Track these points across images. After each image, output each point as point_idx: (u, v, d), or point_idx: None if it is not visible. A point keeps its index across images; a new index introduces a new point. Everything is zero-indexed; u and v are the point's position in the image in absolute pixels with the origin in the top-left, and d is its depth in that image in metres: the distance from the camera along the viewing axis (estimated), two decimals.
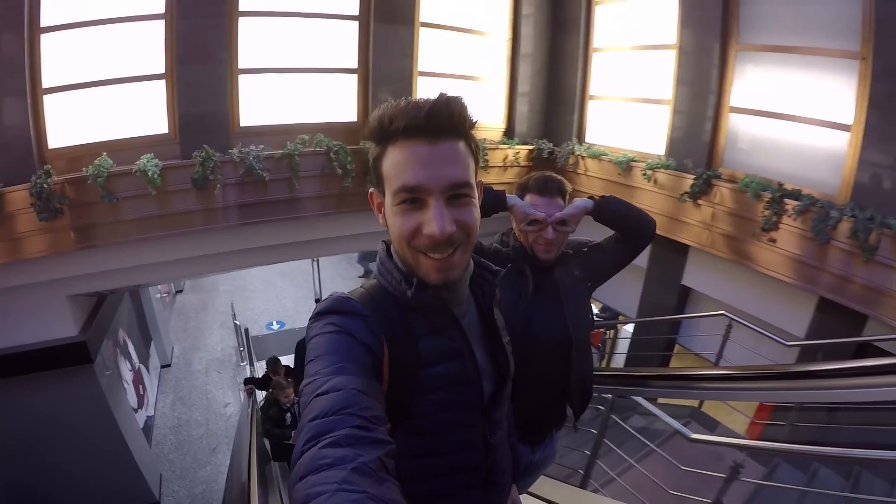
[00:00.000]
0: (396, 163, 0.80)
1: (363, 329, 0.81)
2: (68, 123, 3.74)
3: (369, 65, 4.38)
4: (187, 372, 8.29)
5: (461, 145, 0.82)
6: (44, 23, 3.51)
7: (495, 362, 0.99)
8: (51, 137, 3.69)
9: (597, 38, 4.96)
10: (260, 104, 4.20)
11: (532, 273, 1.75)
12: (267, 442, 4.69)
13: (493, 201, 1.71)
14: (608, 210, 1.76)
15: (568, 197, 1.74)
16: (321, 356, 0.74)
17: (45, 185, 3.33)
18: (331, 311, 0.83)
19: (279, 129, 4.19)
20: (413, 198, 0.79)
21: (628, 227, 1.79)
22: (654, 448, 3.11)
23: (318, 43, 4.32)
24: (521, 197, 1.73)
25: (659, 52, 4.38)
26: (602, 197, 1.78)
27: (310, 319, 0.85)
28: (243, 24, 3.94)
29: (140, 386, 6.30)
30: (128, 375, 5.75)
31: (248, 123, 4.16)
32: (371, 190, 0.89)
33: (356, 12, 4.29)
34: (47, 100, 3.62)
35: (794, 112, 3.72)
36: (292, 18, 4.15)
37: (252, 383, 5.38)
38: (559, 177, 1.76)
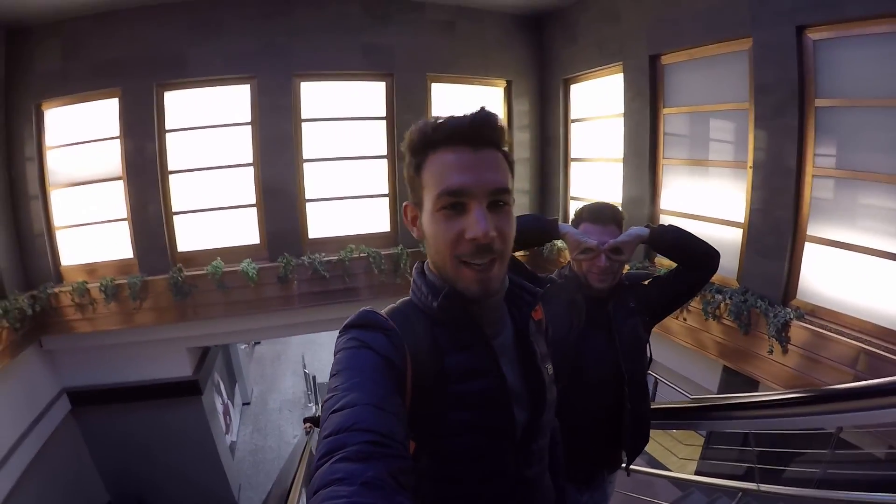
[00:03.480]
0: (439, 168, 0.83)
1: (385, 342, 0.80)
2: (191, 235, 5.55)
3: (396, 190, 5.97)
4: (264, 409, 9.98)
5: (500, 156, 0.85)
6: (170, 167, 5.38)
7: (530, 388, 0.93)
8: (179, 244, 5.50)
9: (573, 150, 6.24)
10: (322, 222, 5.88)
11: (585, 303, 1.69)
12: None
13: (545, 229, 1.67)
14: (665, 238, 1.70)
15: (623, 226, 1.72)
16: (341, 371, 0.75)
17: (179, 278, 5.12)
18: (354, 325, 0.84)
19: (335, 239, 5.84)
20: (455, 202, 0.81)
21: (687, 258, 1.73)
22: None
23: (359, 176, 5.95)
24: (576, 226, 1.70)
25: (612, 164, 5.54)
26: (660, 224, 1.73)
27: (338, 334, 0.85)
28: (307, 167, 5.69)
29: (227, 416, 8.02)
30: (219, 407, 7.42)
31: (314, 236, 5.84)
32: (406, 203, 0.91)
33: (385, 153, 5.94)
34: (176, 219, 5.46)
35: (706, 212, 4.56)
36: (341, 161, 5.85)
37: (310, 421, 6.59)
38: (614, 204, 1.74)
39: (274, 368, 12.08)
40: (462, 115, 0.83)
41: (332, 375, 0.77)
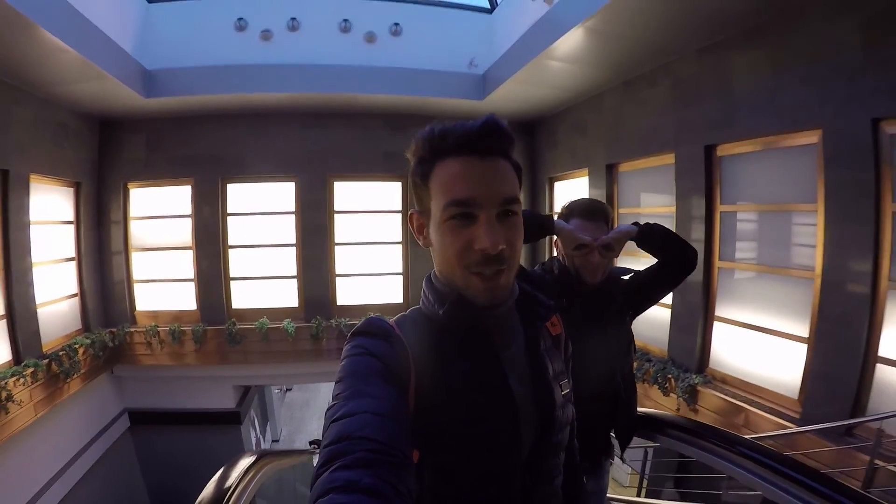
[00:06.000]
0: (447, 177, 0.80)
1: (388, 350, 0.80)
2: (243, 296, 6.95)
3: (409, 270, 7.31)
4: (290, 447, 10.99)
5: (508, 165, 0.83)
6: (230, 242, 6.91)
7: (539, 406, 0.89)
8: (234, 302, 6.92)
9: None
10: (348, 293, 7.22)
11: (579, 297, 1.71)
12: None
13: (540, 225, 1.70)
14: (651, 236, 1.76)
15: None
16: (343, 379, 0.75)
17: (233, 329, 6.51)
18: (359, 332, 0.84)
19: (359, 307, 7.19)
20: (464, 212, 0.79)
21: (671, 255, 1.79)
22: None
23: (379, 257, 7.32)
24: (566, 221, 1.74)
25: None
26: (646, 223, 1.79)
27: (346, 341, 0.85)
28: (338, 249, 7.14)
29: (258, 448, 9.15)
30: (252, 439, 8.55)
31: (341, 304, 7.26)
32: (412, 211, 0.89)
33: (400, 240, 7.33)
34: (233, 283, 6.89)
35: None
36: (364, 245, 7.24)
37: (316, 443, 7.34)
38: (603, 202, 1.79)
39: (303, 413, 13.20)
40: (471, 122, 0.80)
41: (335, 382, 0.76)
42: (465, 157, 0.81)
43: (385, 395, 0.73)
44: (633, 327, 1.95)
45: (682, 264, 1.81)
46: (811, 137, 3.67)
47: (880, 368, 3.33)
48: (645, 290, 1.87)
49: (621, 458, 2.00)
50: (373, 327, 0.85)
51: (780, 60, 3.82)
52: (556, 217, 1.80)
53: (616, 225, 1.82)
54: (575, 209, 1.76)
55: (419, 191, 0.86)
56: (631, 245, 1.82)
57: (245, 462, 1.51)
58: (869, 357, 3.36)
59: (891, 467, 3.03)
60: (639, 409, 2.02)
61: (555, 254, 1.85)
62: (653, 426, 2.01)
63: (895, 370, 3.24)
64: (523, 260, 1.35)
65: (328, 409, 0.72)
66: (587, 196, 2.63)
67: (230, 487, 1.33)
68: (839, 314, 3.50)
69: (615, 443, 1.93)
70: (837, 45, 3.38)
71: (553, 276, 1.77)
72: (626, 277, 1.90)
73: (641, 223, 1.81)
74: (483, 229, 0.78)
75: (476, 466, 0.82)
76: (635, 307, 1.88)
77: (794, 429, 3.61)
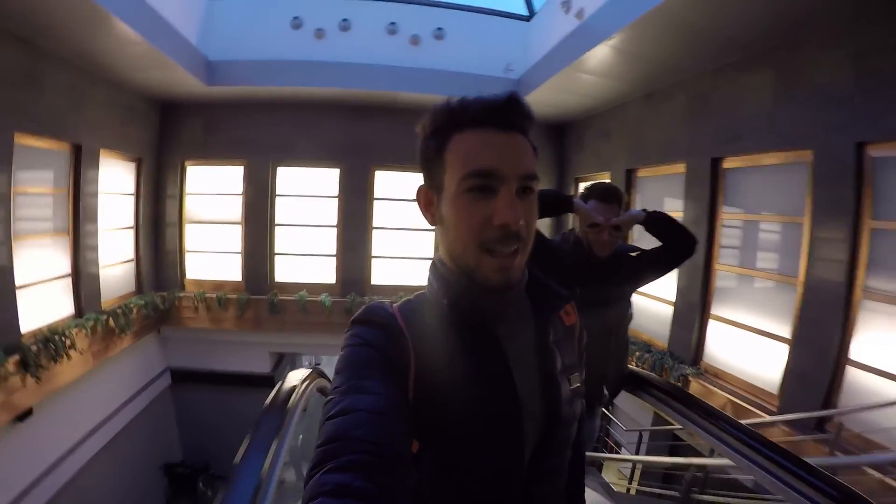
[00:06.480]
0: (467, 147, 0.76)
1: (387, 341, 0.77)
2: (285, 270, 7.59)
3: None
4: (315, 415, 11.85)
5: (528, 142, 0.80)
6: (277, 221, 7.51)
7: (546, 401, 0.84)
8: (277, 276, 7.56)
9: None
10: (382, 273, 7.80)
11: (588, 267, 1.94)
12: None
13: (562, 203, 1.96)
14: (657, 222, 1.97)
15: (624, 206, 1.95)
16: (340, 371, 0.73)
17: (275, 300, 7.17)
18: (359, 321, 0.81)
19: (391, 287, 7.74)
20: (483, 185, 0.75)
21: (673, 240, 1.99)
22: None
23: (414, 242, 7.87)
24: (585, 201, 1.95)
25: None
26: (654, 210, 1.99)
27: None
28: (375, 233, 7.73)
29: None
30: None
31: (375, 283, 7.91)
32: (420, 186, 0.85)
33: (433, 228, 7.89)
34: (277, 258, 7.55)
35: (652, 292, 5.58)
36: (400, 230, 7.82)
37: None
38: (618, 187, 1.97)
39: None
40: (493, 95, 0.77)
41: (335, 373, 0.75)
42: (486, 129, 0.77)
43: (382, 391, 0.70)
44: (639, 322, 2.31)
45: (682, 248, 2.02)
46: (804, 157, 4.05)
47: (850, 371, 3.69)
48: (648, 268, 2.07)
49: (608, 409, 2.25)
50: (372, 315, 0.81)
51: (781, 84, 4.20)
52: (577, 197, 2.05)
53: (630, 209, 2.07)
54: (593, 191, 1.96)
55: (431, 164, 0.81)
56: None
57: (302, 372, 1.97)
58: (841, 360, 3.72)
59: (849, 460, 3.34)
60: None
61: (574, 227, 2.08)
62: (639, 384, 2.25)
63: (864, 373, 3.60)
64: (547, 230, 1.62)
65: (326, 403, 0.70)
66: None
67: (293, 388, 1.78)
68: (817, 318, 3.87)
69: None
70: (831, 73, 3.76)
71: (568, 246, 2.01)
72: (633, 254, 2.09)
73: (650, 210, 2.02)
74: (504, 203, 0.74)
75: (476, 462, 0.78)
76: (636, 281, 2.11)
77: (767, 418, 4.01)
